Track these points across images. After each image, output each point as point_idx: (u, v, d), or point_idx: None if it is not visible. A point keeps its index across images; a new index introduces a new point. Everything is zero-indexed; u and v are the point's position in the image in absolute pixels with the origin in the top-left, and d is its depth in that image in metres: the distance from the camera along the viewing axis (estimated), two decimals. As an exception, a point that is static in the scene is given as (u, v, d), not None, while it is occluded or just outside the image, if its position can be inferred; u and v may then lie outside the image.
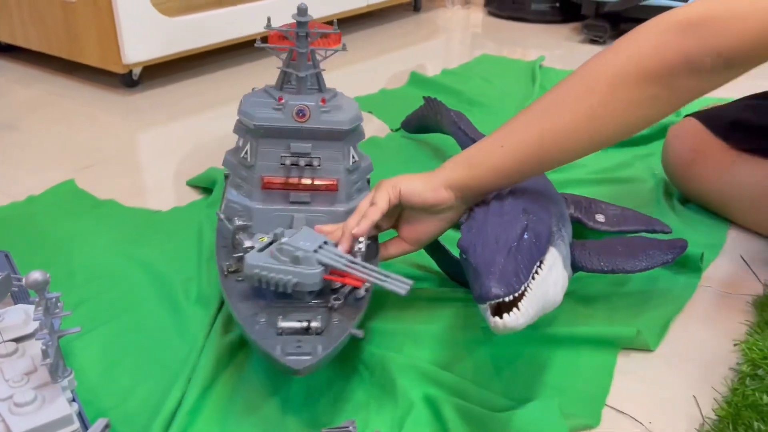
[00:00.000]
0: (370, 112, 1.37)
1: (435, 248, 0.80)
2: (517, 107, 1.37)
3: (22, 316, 0.46)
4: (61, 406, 0.40)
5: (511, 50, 1.85)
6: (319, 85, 0.79)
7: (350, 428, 0.56)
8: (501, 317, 0.55)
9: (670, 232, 0.85)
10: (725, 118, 1.00)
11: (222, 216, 0.75)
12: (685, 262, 0.84)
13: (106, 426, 0.41)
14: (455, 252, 0.74)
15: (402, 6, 2.22)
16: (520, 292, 0.56)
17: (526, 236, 0.62)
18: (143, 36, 1.40)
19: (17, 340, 0.45)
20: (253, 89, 0.92)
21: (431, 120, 1.19)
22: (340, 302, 0.65)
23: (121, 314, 0.75)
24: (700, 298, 0.79)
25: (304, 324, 0.61)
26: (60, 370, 0.41)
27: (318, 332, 0.61)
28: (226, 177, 0.86)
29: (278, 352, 0.58)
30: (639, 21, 0.66)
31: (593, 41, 1.90)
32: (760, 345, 0.65)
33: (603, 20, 1.88)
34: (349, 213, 0.76)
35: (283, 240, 0.64)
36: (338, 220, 0.76)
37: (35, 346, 0.45)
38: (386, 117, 1.34)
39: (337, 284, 0.66)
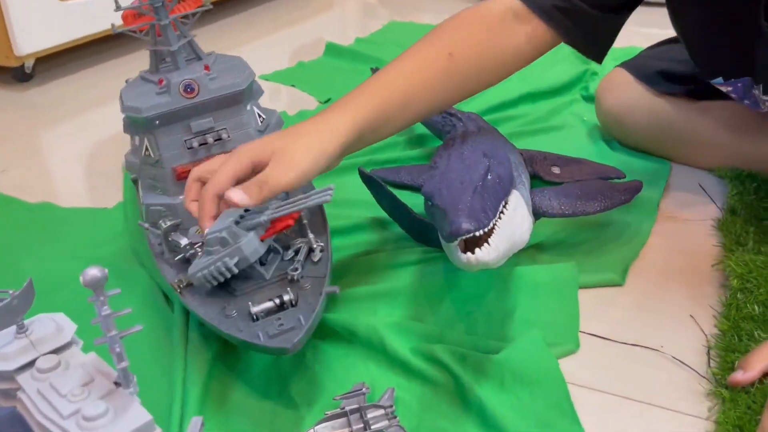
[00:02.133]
0: (292, 85, 1.33)
1: (395, 208, 0.78)
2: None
3: (51, 325, 0.40)
4: (139, 413, 0.35)
5: (405, 16, 1.85)
6: (197, 53, 0.74)
7: (363, 390, 0.55)
8: (473, 253, 0.56)
9: (624, 177, 0.88)
10: (652, 68, 1.03)
11: (146, 225, 0.69)
12: (639, 205, 0.85)
13: (202, 425, 0.37)
14: (417, 211, 0.75)
15: (292, -22, 2.16)
16: (489, 227, 0.57)
17: (489, 176, 0.63)
18: (36, 24, 1.27)
19: (54, 352, 0.40)
20: (127, 81, 0.80)
21: None
22: (298, 271, 0.61)
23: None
24: (667, 229, 0.83)
25: (276, 301, 0.58)
26: (129, 374, 0.36)
27: (293, 304, 0.58)
28: (135, 182, 0.79)
29: (262, 339, 0.54)
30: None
31: (488, 1, 1.94)
32: (744, 258, 0.70)
33: (496, -21, 1.91)
34: None
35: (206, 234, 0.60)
36: None
37: (77, 355, 0.40)
38: (311, 89, 1.31)
39: (289, 254, 0.64)
